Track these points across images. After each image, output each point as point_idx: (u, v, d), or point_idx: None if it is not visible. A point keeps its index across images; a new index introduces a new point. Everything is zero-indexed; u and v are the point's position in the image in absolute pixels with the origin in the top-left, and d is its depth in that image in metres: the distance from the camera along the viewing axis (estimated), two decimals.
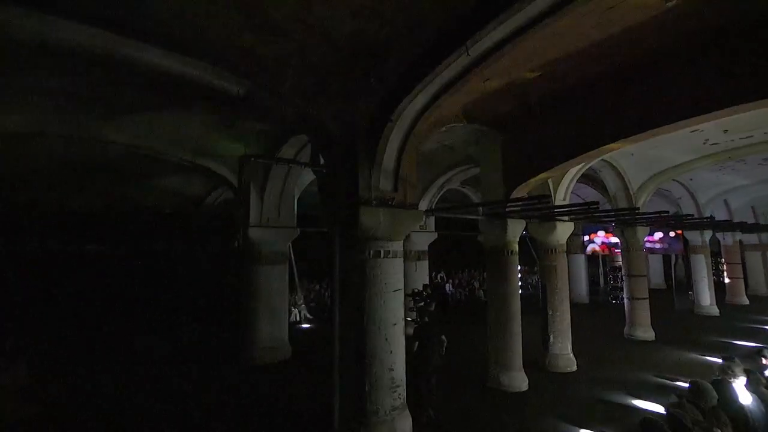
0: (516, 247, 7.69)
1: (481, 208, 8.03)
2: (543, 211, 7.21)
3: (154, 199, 13.34)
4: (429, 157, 10.80)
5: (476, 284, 18.33)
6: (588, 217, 8.68)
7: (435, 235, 12.83)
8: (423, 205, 12.77)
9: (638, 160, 10.22)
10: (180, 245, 14.20)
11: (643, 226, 11.05)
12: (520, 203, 6.19)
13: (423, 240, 12.61)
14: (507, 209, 6.98)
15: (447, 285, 17.29)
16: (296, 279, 14.21)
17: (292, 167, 9.44)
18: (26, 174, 10.14)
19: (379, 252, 5.44)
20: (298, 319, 13.83)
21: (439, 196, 12.44)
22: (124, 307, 12.42)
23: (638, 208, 7.57)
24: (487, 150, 7.92)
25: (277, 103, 5.52)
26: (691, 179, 12.97)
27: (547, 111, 6.84)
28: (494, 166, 7.69)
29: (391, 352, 5.40)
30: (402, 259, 5.76)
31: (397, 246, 5.65)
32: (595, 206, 6.15)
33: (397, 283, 5.57)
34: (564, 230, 8.62)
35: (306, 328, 13.34)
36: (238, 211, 9.26)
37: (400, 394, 5.48)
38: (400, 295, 5.64)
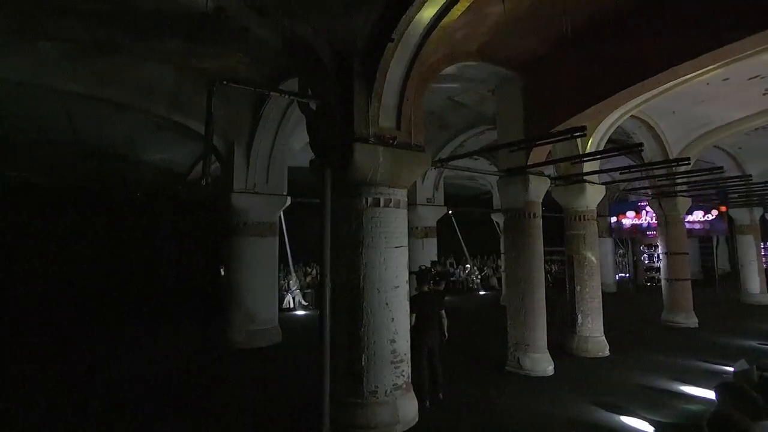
0: (540, 210, 7.15)
1: (497, 168, 7.49)
2: (573, 161, 6.59)
3: (132, 174, 12.91)
4: (439, 116, 10.22)
5: (489, 271, 17.81)
6: (624, 176, 8.06)
7: (443, 210, 12.33)
8: (431, 175, 12.26)
9: (680, 119, 9.52)
10: (162, 220, 13.82)
11: (684, 196, 10.39)
12: (549, 140, 5.61)
13: (431, 215, 12.10)
14: (534, 146, 6.41)
15: (457, 271, 16.79)
16: (290, 261, 13.73)
17: (281, 128, 8.94)
18: None
19: (379, 200, 4.91)
20: (292, 305, 13.39)
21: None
22: (95, 286, 12.13)
23: (688, 160, 6.87)
24: (506, 98, 7.37)
25: (257, 23, 4.96)
26: (740, 147, 12.20)
27: (572, 49, 6.22)
28: (514, 116, 7.13)
29: (392, 319, 4.89)
30: (405, 212, 5.24)
31: (401, 195, 5.12)
32: (640, 145, 5.48)
33: (400, 238, 5.05)
34: (594, 193, 8.04)
35: (301, 315, 12.89)
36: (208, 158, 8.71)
37: (403, 371, 4.97)
38: (404, 254, 5.11)
